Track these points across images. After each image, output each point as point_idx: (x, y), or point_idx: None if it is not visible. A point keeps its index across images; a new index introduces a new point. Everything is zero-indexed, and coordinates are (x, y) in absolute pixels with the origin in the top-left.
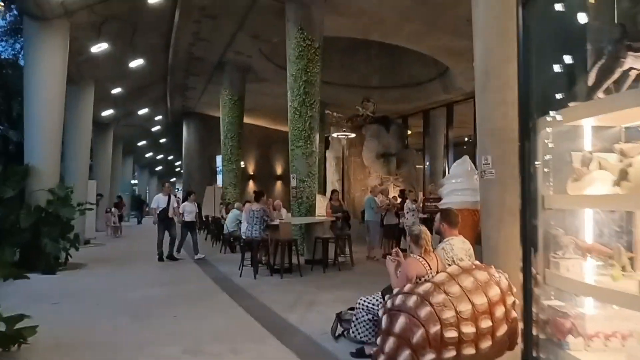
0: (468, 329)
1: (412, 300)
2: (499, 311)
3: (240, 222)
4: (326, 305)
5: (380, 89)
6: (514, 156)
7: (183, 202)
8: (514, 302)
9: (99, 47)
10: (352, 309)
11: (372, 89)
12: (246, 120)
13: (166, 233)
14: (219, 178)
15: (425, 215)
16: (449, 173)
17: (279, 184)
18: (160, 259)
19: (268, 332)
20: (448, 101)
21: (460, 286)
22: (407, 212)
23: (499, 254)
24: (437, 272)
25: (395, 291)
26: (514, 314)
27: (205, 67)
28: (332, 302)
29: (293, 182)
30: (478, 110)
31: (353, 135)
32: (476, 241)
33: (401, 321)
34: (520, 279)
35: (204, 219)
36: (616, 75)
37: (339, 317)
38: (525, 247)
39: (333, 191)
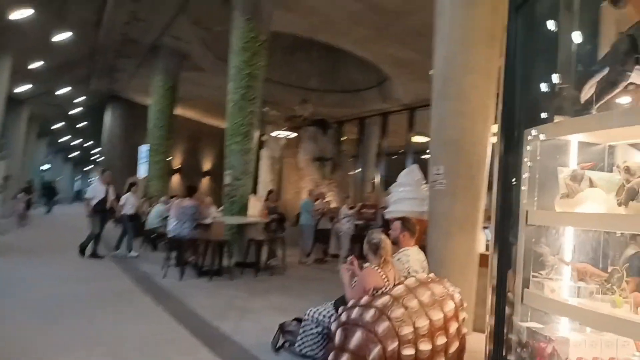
0: (425, 345)
1: (369, 314)
2: (453, 327)
3: (165, 218)
4: (260, 313)
5: (319, 91)
6: (466, 167)
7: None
8: (464, 318)
9: (22, 14)
10: (297, 320)
11: (310, 91)
12: (176, 110)
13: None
14: (142, 169)
15: (361, 222)
16: (396, 181)
17: (206, 180)
18: (83, 252)
19: (199, 342)
20: (384, 110)
21: (419, 300)
22: (343, 218)
23: (443, 266)
24: (394, 284)
25: (350, 303)
26: (464, 329)
27: (139, 49)
28: (265, 309)
29: (227, 179)
30: (433, 118)
31: (294, 135)
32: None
33: (357, 336)
34: (470, 294)
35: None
36: (620, 88)
37: (282, 328)
38: (501, 265)
39: (270, 191)
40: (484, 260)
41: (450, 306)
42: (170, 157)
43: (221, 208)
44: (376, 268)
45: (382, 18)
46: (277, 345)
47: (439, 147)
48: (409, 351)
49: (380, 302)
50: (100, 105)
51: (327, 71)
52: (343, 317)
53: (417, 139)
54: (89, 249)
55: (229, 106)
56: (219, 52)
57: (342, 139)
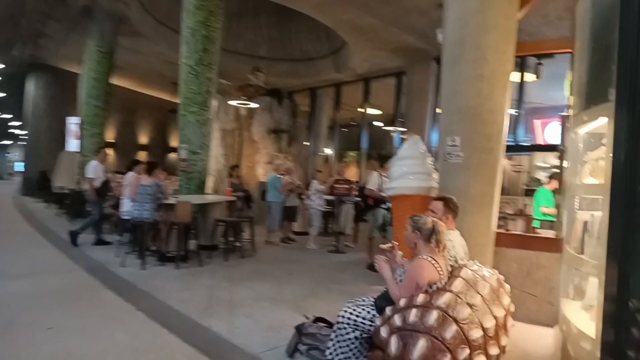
0: (494, 349)
1: (432, 317)
2: (509, 323)
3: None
4: (250, 306)
5: (268, 60)
6: (484, 139)
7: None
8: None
9: None
10: (320, 320)
11: (259, 59)
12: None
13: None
14: (73, 144)
15: (332, 198)
16: (398, 154)
17: (142, 154)
18: (75, 241)
19: (195, 350)
20: (337, 81)
21: (482, 296)
22: (314, 194)
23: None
24: (448, 277)
25: (401, 303)
26: (511, 321)
27: (70, 11)
28: (254, 300)
29: (183, 154)
30: (445, 85)
31: (256, 105)
32: None
33: (421, 345)
34: None
35: (59, 191)
36: None
37: (300, 331)
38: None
39: (233, 167)
40: (498, 239)
41: (506, 299)
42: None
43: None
44: (429, 259)
45: None
46: (293, 351)
47: (452, 116)
48: (480, 358)
49: (442, 301)
50: (21, 75)
51: (277, 39)
52: (397, 321)
53: (371, 110)
54: (90, 238)
55: (183, 73)
56: (160, 15)
57: (298, 109)
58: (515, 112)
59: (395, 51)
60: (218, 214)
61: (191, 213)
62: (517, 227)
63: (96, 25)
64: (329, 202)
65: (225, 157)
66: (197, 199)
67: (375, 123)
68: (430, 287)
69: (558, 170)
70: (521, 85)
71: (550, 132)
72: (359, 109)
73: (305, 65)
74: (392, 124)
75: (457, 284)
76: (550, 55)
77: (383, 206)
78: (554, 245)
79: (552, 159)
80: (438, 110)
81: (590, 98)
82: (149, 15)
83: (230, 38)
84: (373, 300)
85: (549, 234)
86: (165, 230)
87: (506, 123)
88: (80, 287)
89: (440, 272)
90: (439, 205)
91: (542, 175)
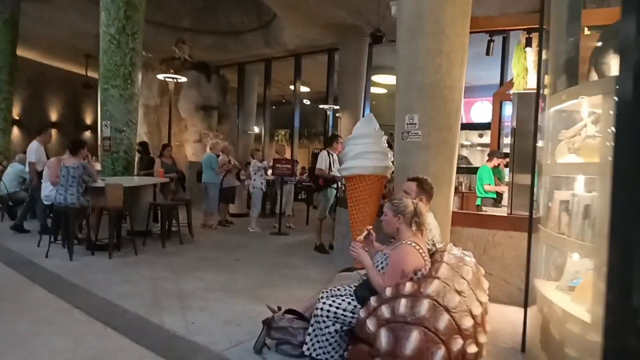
0: (482, 337)
1: (424, 308)
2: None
3: (24, 181)
4: (203, 298)
5: (192, 32)
6: (444, 117)
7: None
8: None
9: None
10: (292, 312)
11: (183, 31)
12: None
13: None
14: None
15: (272, 178)
16: (353, 132)
17: (53, 132)
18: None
19: (153, 354)
20: (267, 56)
21: (467, 281)
22: (255, 173)
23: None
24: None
25: (387, 292)
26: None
27: None
28: (205, 291)
29: (106, 132)
30: (402, 59)
31: (184, 79)
32: (379, 213)
33: (414, 338)
34: None
35: None
36: None
37: (269, 325)
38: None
39: (164, 146)
40: (454, 218)
41: (485, 283)
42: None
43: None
44: (413, 244)
45: None
46: (261, 347)
47: (411, 92)
48: (472, 349)
49: (431, 289)
50: None
51: (202, 10)
52: (385, 313)
53: (303, 88)
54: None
55: (104, 42)
56: None
57: (228, 85)
58: None
59: (328, 27)
60: (150, 197)
61: (122, 197)
62: (454, 205)
63: None
64: (268, 183)
65: (148, 135)
66: (128, 181)
67: (305, 101)
68: (415, 274)
69: (496, 149)
70: None
71: (476, 111)
72: (290, 87)
73: (233, 39)
74: (324, 102)
75: (443, 270)
76: (502, 32)
77: (334, 186)
78: (507, 224)
79: (475, 137)
80: (375, 90)
81: (572, 77)
82: None
83: (150, 7)
84: (352, 289)
85: (501, 211)
86: (94, 216)
87: (462, 100)
88: (2, 284)
89: (425, 258)
90: (412, 186)
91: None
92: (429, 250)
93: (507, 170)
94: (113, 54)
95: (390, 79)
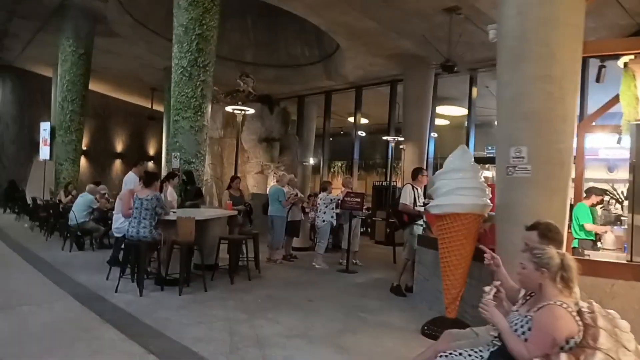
0: None
1: None
2: None
3: (92, 211)
4: (283, 346)
5: (254, 65)
6: (555, 150)
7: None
8: None
9: None
10: None
11: (245, 65)
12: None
13: None
14: (45, 152)
15: (339, 211)
16: (445, 165)
17: (117, 163)
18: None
19: None
20: (327, 88)
21: (631, 352)
22: (326, 206)
23: None
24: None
25: None
26: None
27: (40, 9)
28: (285, 337)
29: (175, 163)
30: (504, 87)
31: (252, 111)
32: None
33: None
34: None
35: (31, 203)
36: None
37: None
38: None
39: (233, 177)
40: None
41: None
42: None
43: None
44: (564, 305)
45: None
46: None
47: (517, 122)
48: None
49: None
50: None
51: (264, 43)
52: None
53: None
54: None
55: (176, 74)
56: (139, 14)
57: (290, 117)
58: None
59: (391, 57)
60: (218, 229)
61: (194, 230)
62: None
63: (70, 23)
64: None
65: (212, 166)
66: (199, 214)
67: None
68: (568, 343)
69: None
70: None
71: None
72: (350, 118)
73: (293, 72)
74: (384, 133)
75: (603, 339)
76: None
77: (419, 223)
78: (629, 272)
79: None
80: (438, 121)
81: None
82: (127, 14)
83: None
84: (479, 356)
85: (614, 257)
86: (165, 250)
87: (575, 132)
88: (73, 322)
89: (579, 323)
90: (532, 237)
91: None
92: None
93: (598, 208)
94: (185, 86)
95: (452, 110)
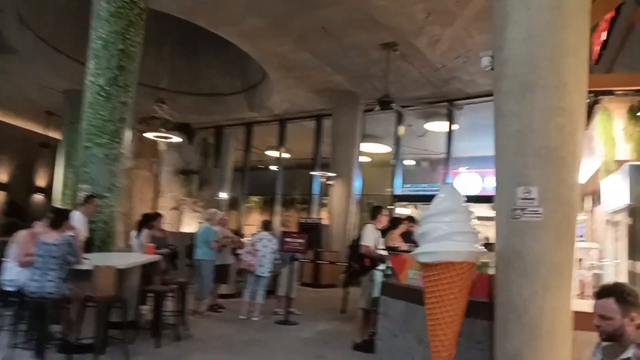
0: None
1: None
2: None
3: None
4: None
5: (170, 92)
6: (568, 190)
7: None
8: None
9: None
10: None
11: (159, 91)
12: None
13: None
14: None
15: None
16: (434, 206)
17: (1, 195)
18: None
19: None
20: (249, 120)
21: None
22: (264, 247)
23: (543, 335)
24: None
25: None
26: None
27: None
28: None
29: (82, 198)
30: (508, 119)
31: (178, 139)
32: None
33: None
34: None
35: None
36: None
37: None
38: None
39: (155, 215)
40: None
41: None
42: None
43: None
44: None
45: (285, 6)
46: None
47: (525, 159)
48: None
49: None
50: None
51: (182, 71)
52: None
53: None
54: None
55: (90, 94)
56: (43, 30)
57: (211, 148)
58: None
59: (322, 92)
60: (136, 279)
61: (114, 282)
62: None
63: None
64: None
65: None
66: (120, 260)
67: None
68: None
69: None
70: (449, 134)
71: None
72: (269, 152)
73: (213, 101)
74: (308, 168)
75: None
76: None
77: (380, 267)
78: None
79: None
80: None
81: None
82: (28, 29)
83: None
84: None
85: None
86: (76, 308)
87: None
88: None
89: None
90: (610, 305)
91: None
92: None
93: None
94: (100, 107)
95: (375, 148)
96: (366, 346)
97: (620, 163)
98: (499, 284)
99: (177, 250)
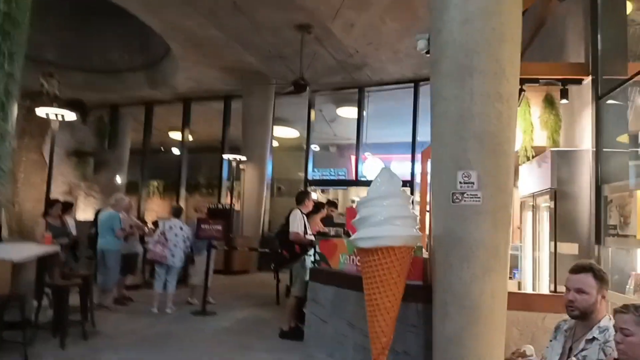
0: None
1: None
2: None
3: None
4: None
5: (58, 67)
6: (505, 176)
7: None
8: None
9: None
10: None
11: (47, 64)
12: None
13: None
14: None
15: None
16: (372, 191)
17: None
18: None
19: None
20: (149, 99)
21: None
22: (175, 235)
23: (482, 318)
24: None
25: None
26: None
27: None
28: None
29: None
30: (450, 103)
31: (72, 115)
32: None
33: None
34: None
35: None
36: None
37: None
38: None
39: (53, 202)
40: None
41: None
42: None
43: None
44: None
45: None
46: None
47: (465, 143)
48: None
49: None
50: None
51: (71, 45)
52: None
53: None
54: None
55: None
56: None
57: (107, 129)
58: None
59: (232, 71)
60: (32, 273)
61: (10, 277)
62: None
63: None
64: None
65: None
66: (16, 253)
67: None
68: None
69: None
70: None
71: (367, 167)
72: (171, 133)
73: (109, 78)
74: (214, 151)
75: None
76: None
77: (310, 253)
78: (558, 304)
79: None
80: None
81: None
82: None
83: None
84: None
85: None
86: None
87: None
88: None
89: None
90: (588, 281)
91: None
92: None
93: None
94: None
95: (284, 132)
96: (293, 334)
97: (537, 149)
98: (438, 267)
99: (78, 240)
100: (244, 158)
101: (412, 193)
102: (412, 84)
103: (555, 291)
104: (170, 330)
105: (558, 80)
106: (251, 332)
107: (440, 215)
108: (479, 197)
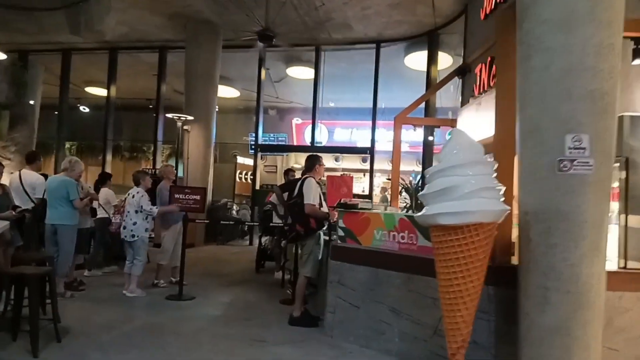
0: None
1: None
2: None
3: None
4: None
5: None
6: (611, 140)
7: None
8: None
9: None
10: None
11: None
12: None
13: None
14: None
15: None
16: (452, 157)
17: None
18: None
19: None
20: (68, 46)
21: None
22: (129, 204)
23: (594, 306)
24: None
25: None
26: None
27: None
28: None
29: None
30: (555, 54)
31: None
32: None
33: None
34: None
35: None
36: None
37: None
38: None
39: None
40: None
41: None
42: None
43: None
44: None
45: None
46: None
47: (575, 103)
48: None
49: None
50: None
51: None
52: None
53: (94, 90)
54: None
55: None
56: None
57: (26, 77)
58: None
59: (173, 17)
60: None
61: None
62: None
63: None
64: None
65: None
66: None
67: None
68: None
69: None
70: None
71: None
72: (88, 88)
73: (19, 16)
74: (145, 110)
75: None
76: None
77: (325, 229)
78: (636, 282)
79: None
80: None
81: None
82: None
83: None
84: None
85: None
86: None
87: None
88: None
89: None
90: None
91: None
92: None
93: None
94: None
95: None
96: (305, 320)
97: None
98: (534, 248)
99: (25, 214)
100: (190, 118)
101: (372, 162)
102: (374, 45)
103: (625, 267)
104: (152, 322)
105: (631, 38)
106: (250, 320)
107: (537, 186)
108: (590, 165)
